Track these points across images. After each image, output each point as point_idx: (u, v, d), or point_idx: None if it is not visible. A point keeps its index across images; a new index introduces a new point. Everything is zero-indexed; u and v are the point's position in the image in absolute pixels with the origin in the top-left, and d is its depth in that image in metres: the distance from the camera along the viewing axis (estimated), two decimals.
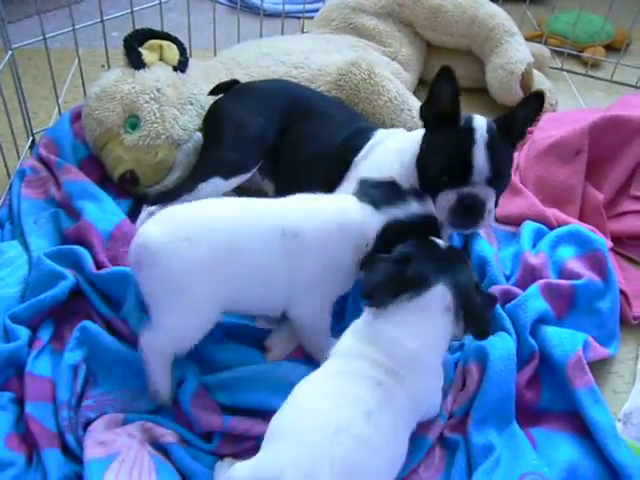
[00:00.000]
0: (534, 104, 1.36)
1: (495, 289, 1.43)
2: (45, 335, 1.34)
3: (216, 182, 1.49)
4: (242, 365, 1.29)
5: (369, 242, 1.24)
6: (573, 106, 2.20)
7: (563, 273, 1.49)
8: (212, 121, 1.64)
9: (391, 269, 1.09)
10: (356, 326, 1.14)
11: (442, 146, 1.37)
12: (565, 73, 2.38)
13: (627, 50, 2.51)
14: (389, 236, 1.22)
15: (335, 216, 1.25)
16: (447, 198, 1.34)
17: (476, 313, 1.10)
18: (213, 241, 1.18)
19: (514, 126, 1.37)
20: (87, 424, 1.21)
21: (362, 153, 1.50)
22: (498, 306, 1.39)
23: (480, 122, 1.35)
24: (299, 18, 2.40)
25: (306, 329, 1.33)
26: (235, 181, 1.52)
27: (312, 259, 1.23)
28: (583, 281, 1.45)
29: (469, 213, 1.34)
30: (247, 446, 1.20)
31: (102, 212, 1.53)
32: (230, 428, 1.21)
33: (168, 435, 1.20)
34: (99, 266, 1.44)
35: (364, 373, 1.05)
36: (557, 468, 1.21)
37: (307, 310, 1.29)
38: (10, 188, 1.66)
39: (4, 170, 1.69)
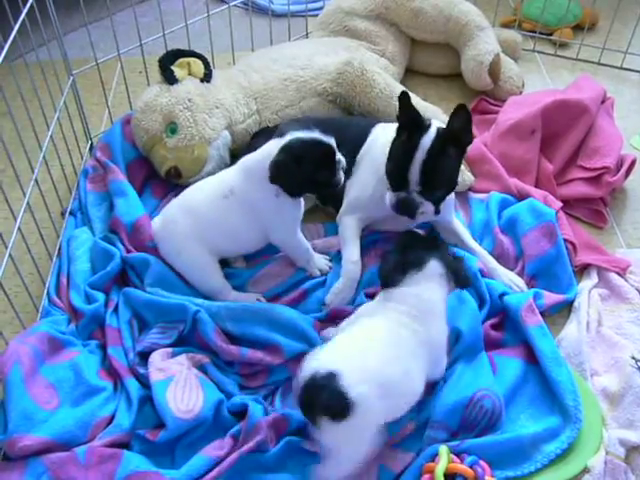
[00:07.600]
0: (463, 114, 1.58)
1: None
2: (115, 297, 1.68)
3: None
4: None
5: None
6: (541, 84, 2.47)
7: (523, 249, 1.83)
8: None
9: (397, 258, 1.48)
10: (377, 300, 1.51)
11: (391, 157, 1.66)
12: (536, 54, 2.63)
13: (594, 29, 2.72)
14: (291, 150, 1.56)
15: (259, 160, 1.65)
16: (389, 197, 1.67)
17: (458, 273, 1.49)
18: (190, 217, 1.68)
19: (456, 135, 1.60)
20: (145, 357, 1.55)
21: (362, 150, 1.81)
22: (480, 277, 1.73)
23: (427, 137, 1.57)
24: (304, 17, 2.63)
25: (288, 250, 1.76)
26: None
27: (253, 203, 1.65)
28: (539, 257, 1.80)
29: (404, 212, 1.67)
30: (259, 368, 1.58)
31: (127, 207, 1.83)
32: (247, 358, 1.57)
33: (204, 358, 1.57)
34: (128, 250, 1.77)
35: (402, 322, 1.41)
36: (505, 386, 1.53)
37: (280, 236, 1.71)
38: (78, 185, 1.99)
39: (72, 169, 2.03)
